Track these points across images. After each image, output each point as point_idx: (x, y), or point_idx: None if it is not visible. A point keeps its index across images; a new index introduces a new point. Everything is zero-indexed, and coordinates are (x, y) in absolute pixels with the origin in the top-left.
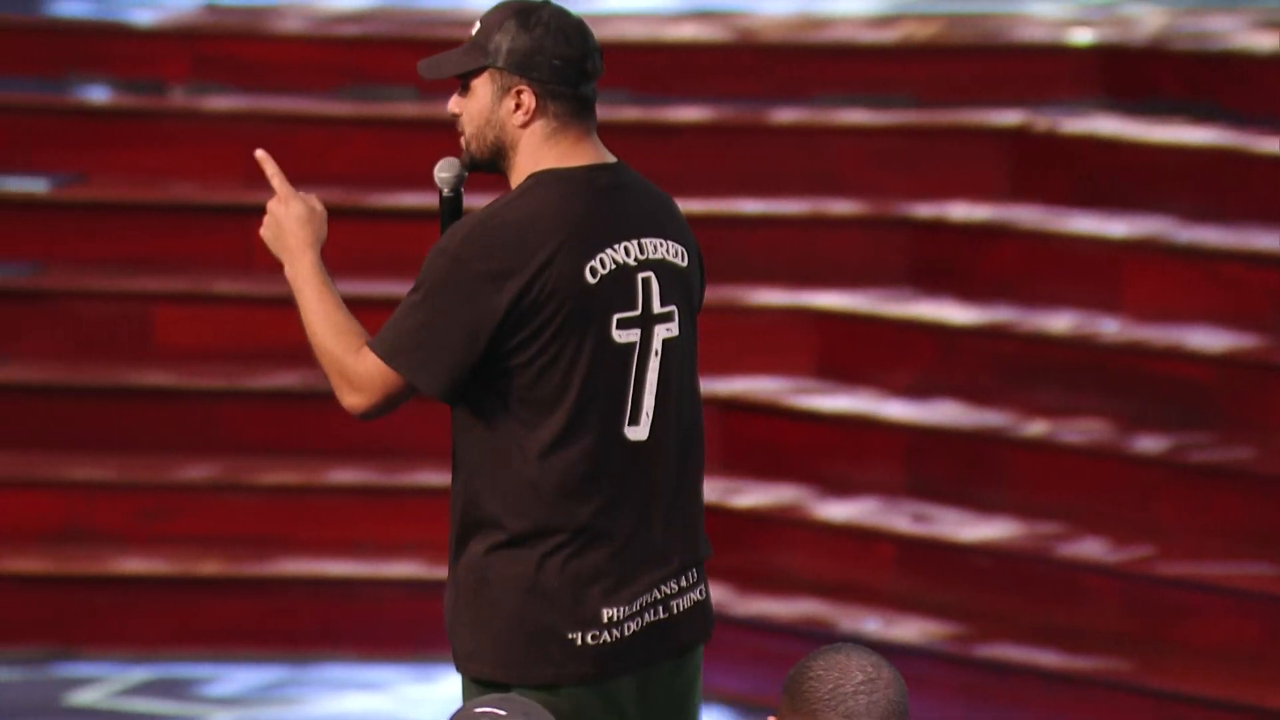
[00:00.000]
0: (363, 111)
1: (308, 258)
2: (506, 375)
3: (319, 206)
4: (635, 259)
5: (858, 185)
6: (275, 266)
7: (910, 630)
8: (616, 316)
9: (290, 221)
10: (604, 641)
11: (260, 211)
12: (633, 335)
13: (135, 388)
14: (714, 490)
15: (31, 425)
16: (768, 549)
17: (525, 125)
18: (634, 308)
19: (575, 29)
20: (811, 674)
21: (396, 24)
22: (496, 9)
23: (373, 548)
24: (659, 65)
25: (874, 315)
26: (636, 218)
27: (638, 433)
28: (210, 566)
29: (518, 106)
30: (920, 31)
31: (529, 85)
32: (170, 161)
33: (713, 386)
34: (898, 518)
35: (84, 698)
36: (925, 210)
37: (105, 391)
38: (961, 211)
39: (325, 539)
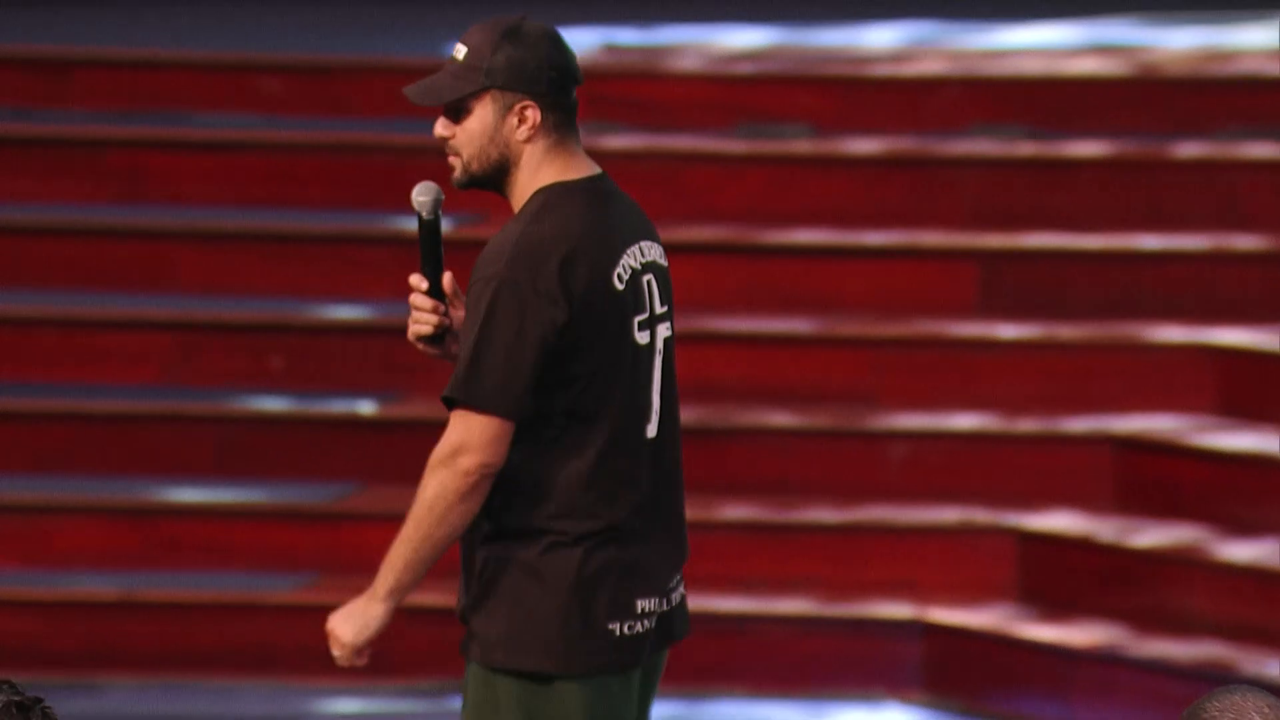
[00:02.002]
0: (757, 149)
1: (367, 608)
2: (559, 385)
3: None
4: (639, 262)
5: (1263, 220)
6: (679, 303)
7: None
8: (636, 319)
9: (338, 626)
10: (636, 632)
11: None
12: (646, 336)
13: None
14: (1110, 529)
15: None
16: (1166, 590)
17: (529, 140)
18: (644, 310)
19: (558, 38)
20: (1206, 715)
21: (793, 61)
22: (480, 30)
23: (763, 584)
24: (1058, 100)
25: (1279, 353)
26: (631, 224)
27: (651, 430)
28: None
29: (521, 122)
30: None
31: (533, 100)
32: None
33: (1108, 424)
34: None
35: None
36: None
37: None
38: None
39: (716, 575)
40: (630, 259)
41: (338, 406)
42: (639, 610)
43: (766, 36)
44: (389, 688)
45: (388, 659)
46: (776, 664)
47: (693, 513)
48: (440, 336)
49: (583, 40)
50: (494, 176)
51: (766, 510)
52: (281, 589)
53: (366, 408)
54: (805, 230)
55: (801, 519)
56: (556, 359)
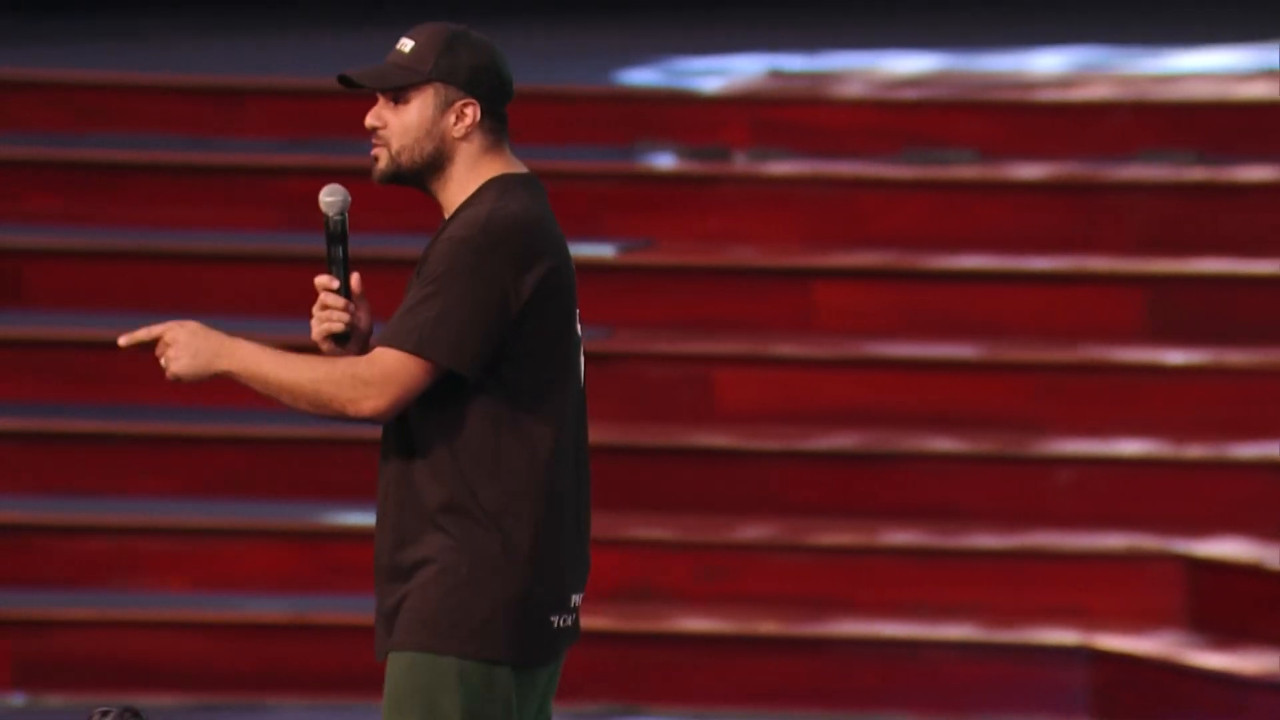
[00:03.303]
0: (923, 174)
1: (237, 343)
2: (516, 365)
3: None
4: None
5: None
6: (837, 329)
7: None
8: (577, 310)
9: (194, 335)
10: (564, 626)
11: (821, 274)
12: (579, 329)
13: (696, 448)
14: None
15: (600, 484)
16: None
17: (463, 138)
18: (577, 304)
19: (501, 53)
20: None
21: (958, 87)
22: (428, 29)
23: (928, 609)
24: (1227, 125)
25: None
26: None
27: (575, 423)
28: (769, 626)
29: (458, 120)
30: None
31: (474, 100)
32: (732, 226)
33: (1278, 450)
34: None
35: None
36: None
37: (668, 452)
38: None
39: (882, 600)
40: (566, 251)
41: None
42: (571, 604)
43: (932, 62)
44: (557, 710)
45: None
46: (941, 689)
47: (855, 537)
48: (348, 335)
49: (749, 66)
50: (422, 172)
51: (930, 536)
52: None
53: None
54: (970, 255)
55: (966, 544)
56: (523, 335)
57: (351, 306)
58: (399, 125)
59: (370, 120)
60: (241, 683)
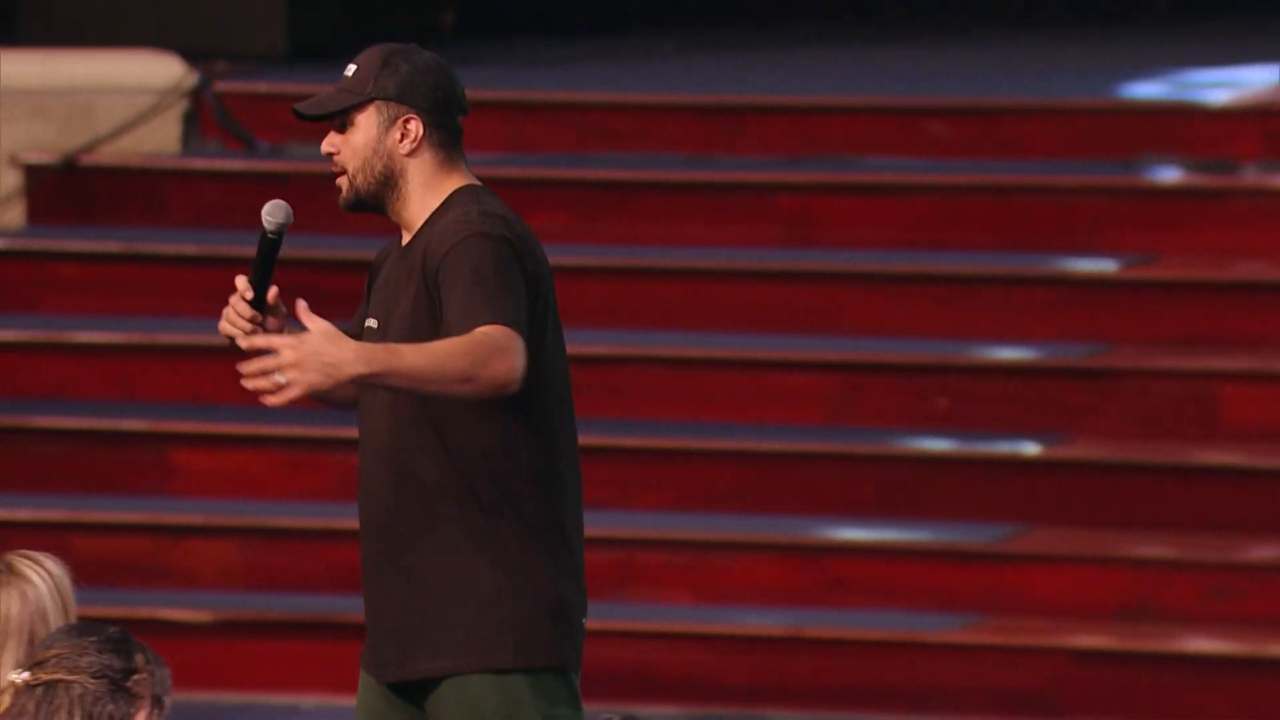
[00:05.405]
0: None
1: (364, 344)
2: (539, 358)
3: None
4: None
5: None
6: None
7: None
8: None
9: (320, 343)
10: (585, 628)
11: None
12: None
13: (1201, 466)
14: None
15: (1099, 502)
16: None
17: (412, 154)
18: None
19: (447, 67)
20: None
21: None
22: (370, 52)
23: None
24: None
25: None
26: None
27: None
28: (1278, 648)
29: (404, 135)
30: None
31: (416, 114)
32: (1240, 240)
33: None
34: None
35: None
36: None
37: (1171, 470)
38: None
39: None
40: None
41: (1001, 447)
42: (586, 609)
43: None
44: None
45: (1052, 698)
46: None
47: None
48: (238, 347)
49: (1260, 77)
50: (379, 192)
51: None
52: (944, 629)
53: (1031, 448)
54: None
55: None
56: (537, 329)
57: (259, 318)
58: (349, 149)
59: (325, 147)
60: (738, 695)
